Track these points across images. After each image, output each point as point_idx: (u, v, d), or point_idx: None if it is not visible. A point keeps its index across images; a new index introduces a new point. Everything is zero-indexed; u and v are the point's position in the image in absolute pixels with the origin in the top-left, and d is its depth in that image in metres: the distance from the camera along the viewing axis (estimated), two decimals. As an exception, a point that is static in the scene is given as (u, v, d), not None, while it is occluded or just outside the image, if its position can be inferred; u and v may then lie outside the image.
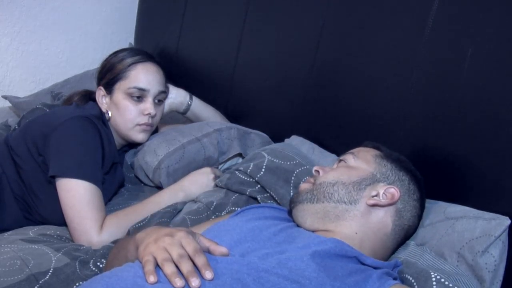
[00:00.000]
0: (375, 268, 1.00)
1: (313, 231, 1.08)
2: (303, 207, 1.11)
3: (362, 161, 1.14)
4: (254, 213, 1.15)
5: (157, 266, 0.88)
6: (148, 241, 0.92)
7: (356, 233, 1.06)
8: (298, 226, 1.12)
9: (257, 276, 0.89)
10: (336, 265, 0.95)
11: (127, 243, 1.02)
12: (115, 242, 1.29)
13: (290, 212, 1.16)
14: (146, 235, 0.95)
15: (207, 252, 0.93)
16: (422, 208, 1.15)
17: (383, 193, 1.08)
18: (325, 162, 1.49)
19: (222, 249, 0.94)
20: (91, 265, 1.19)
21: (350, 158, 1.16)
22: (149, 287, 0.84)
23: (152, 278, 0.85)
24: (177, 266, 0.87)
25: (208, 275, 0.86)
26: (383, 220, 1.08)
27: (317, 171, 1.17)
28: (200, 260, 0.87)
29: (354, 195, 1.08)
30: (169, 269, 0.86)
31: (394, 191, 1.08)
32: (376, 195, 1.08)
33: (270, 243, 1.01)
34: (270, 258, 0.94)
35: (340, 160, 1.18)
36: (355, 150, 1.19)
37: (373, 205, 1.08)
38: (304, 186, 1.16)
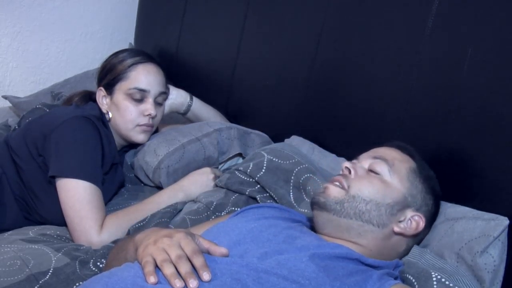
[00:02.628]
0: (376, 268, 0.99)
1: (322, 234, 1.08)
2: (328, 217, 1.07)
3: (397, 176, 1.08)
4: (253, 214, 1.15)
5: (157, 267, 0.88)
6: (147, 242, 0.92)
7: (371, 250, 1.06)
8: (302, 226, 1.11)
9: (256, 276, 0.89)
10: (336, 266, 0.95)
11: (127, 244, 1.02)
12: (115, 242, 1.29)
13: (312, 206, 1.10)
14: (145, 236, 0.95)
15: (206, 253, 0.93)
16: (434, 221, 1.15)
17: (409, 219, 1.07)
18: (325, 162, 1.49)
19: (222, 250, 0.94)
20: (91, 265, 1.19)
21: (385, 170, 1.08)
22: (149, 287, 0.84)
23: (152, 279, 0.85)
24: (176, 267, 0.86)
25: (206, 276, 0.86)
26: (400, 242, 1.09)
27: (348, 169, 1.10)
28: (198, 261, 0.87)
29: (385, 219, 1.06)
30: (168, 270, 0.86)
31: (420, 220, 1.07)
32: (403, 220, 1.07)
33: (269, 243, 1.00)
34: (269, 258, 0.94)
35: (375, 158, 1.10)
36: (389, 157, 1.10)
37: (399, 233, 1.07)
38: (334, 190, 1.08)
